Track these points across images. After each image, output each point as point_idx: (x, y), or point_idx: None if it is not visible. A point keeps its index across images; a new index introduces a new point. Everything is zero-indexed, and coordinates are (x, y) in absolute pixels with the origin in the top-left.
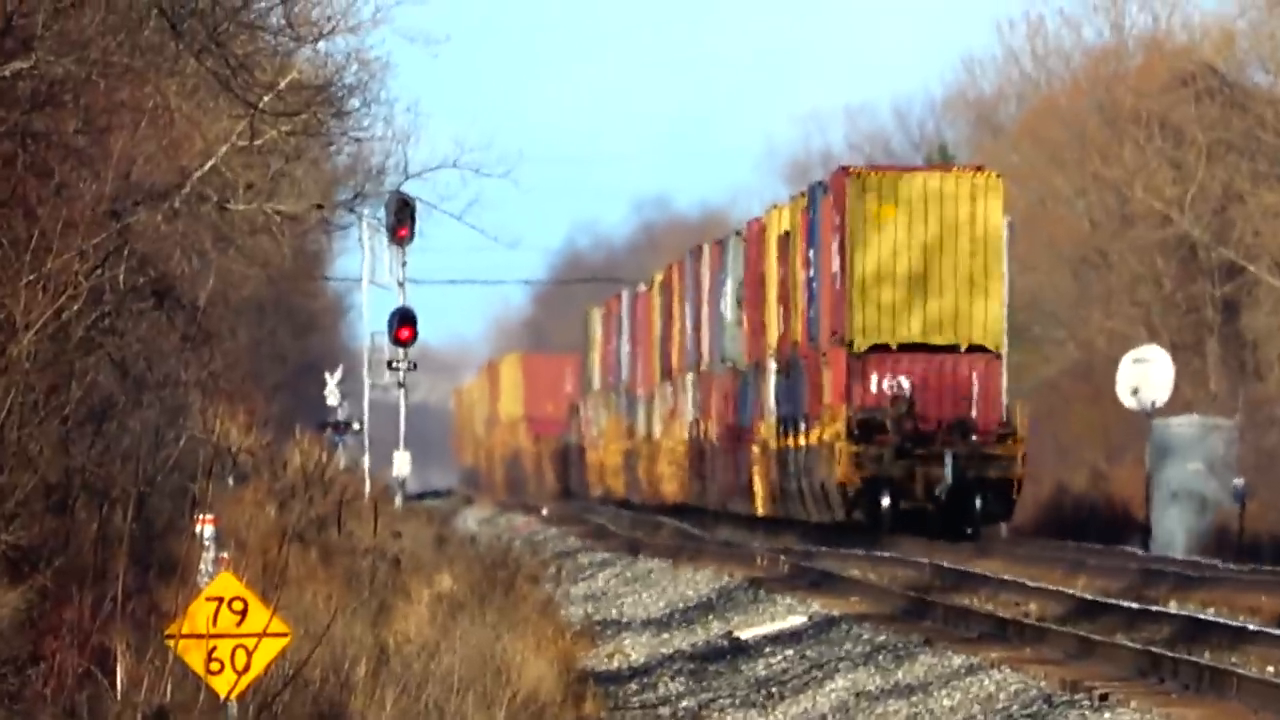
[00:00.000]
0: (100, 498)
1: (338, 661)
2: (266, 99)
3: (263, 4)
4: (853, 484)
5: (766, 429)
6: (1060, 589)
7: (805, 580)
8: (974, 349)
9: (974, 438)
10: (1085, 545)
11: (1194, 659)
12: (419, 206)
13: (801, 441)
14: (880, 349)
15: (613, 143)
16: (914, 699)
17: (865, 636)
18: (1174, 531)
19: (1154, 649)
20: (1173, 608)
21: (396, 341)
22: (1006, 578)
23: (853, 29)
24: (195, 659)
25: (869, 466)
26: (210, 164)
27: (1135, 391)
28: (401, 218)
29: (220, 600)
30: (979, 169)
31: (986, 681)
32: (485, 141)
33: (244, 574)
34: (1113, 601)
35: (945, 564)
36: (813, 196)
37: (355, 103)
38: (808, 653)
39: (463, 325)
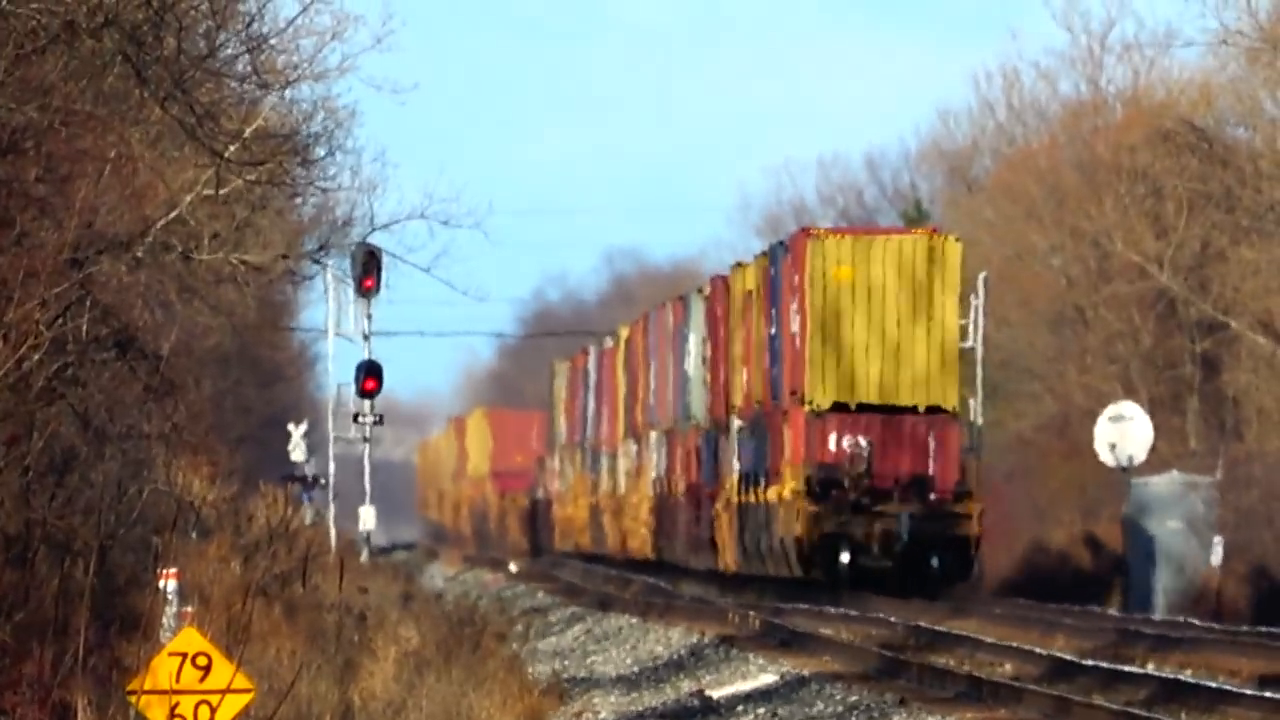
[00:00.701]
0: (61, 550)
1: (302, 718)
2: (232, 148)
3: (229, 51)
4: (810, 540)
5: (730, 485)
6: (1036, 649)
7: (777, 638)
8: (931, 410)
9: (931, 496)
10: (1062, 605)
11: None
12: (385, 258)
13: (763, 498)
14: (840, 408)
15: (584, 194)
16: None
17: (838, 696)
18: (1152, 591)
19: (1132, 710)
20: (1150, 668)
21: (362, 394)
22: (982, 637)
23: (826, 80)
24: (158, 715)
25: (827, 523)
26: (175, 213)
27: (1113, 448)
28: (368, 269)
29: (184, 656)
30: (934, 231)
31: None
32: (454, 192)
33: (208, 629)
34: (1090, 662)
35: (920, 623)
36: (774, 256)
37: (321, 151)
38: (779, 711)
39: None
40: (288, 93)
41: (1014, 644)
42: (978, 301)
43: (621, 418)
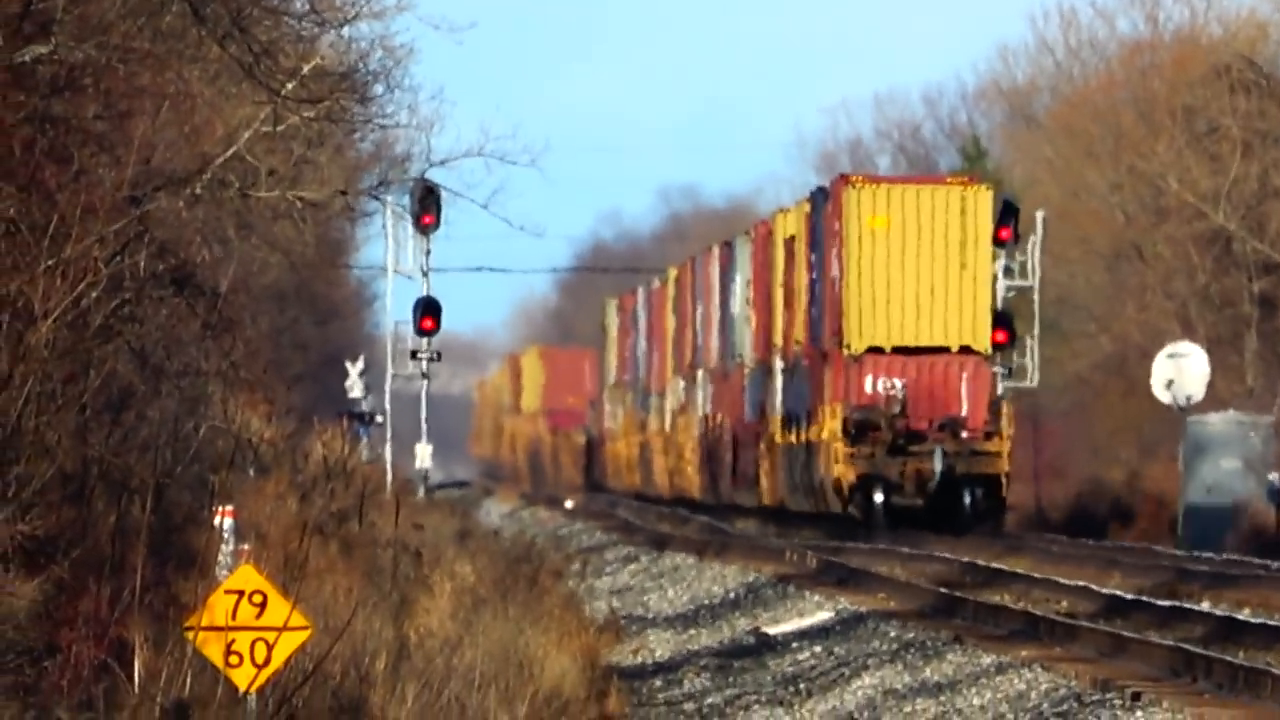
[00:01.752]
0: (118, 488)
1: (358, 656)
2: (289, 85)
3: None
4: (847, 480)
5: (773, 425)
6: (1092, 586)
7: (833, 576)
8: (963, 350)
9: (963, 435)
10: (1118, 542)
11: (1227, 658)
12: (444, 194)
13: (804, 437)
14: (875, 351)
15: (640, 132)
16: (943, 697)
17: (893, 634)
18: (1209, 528)
19: (1187, 648)
20: (1206, 606)
21: (420, 331)
22: (1037, 575)
23: (883, 16)
24: (214, 652)
25: (863, 463)
26: (232, 150)
27: (1170, 386)
28: (427, 205)
29: (240, 593)
30: (969, 180)
31: (1017, 680)
32: (511, 130)
33: (264, 567)
34: (1145, 599)
35: (976, 560)
36: (816, 202)
37: (379, 89)
38: (835, 649)
39: (486, 314)
40: (345, 30)
41: (1070, 581)
42: (1035, 239)
43: (670, 357)
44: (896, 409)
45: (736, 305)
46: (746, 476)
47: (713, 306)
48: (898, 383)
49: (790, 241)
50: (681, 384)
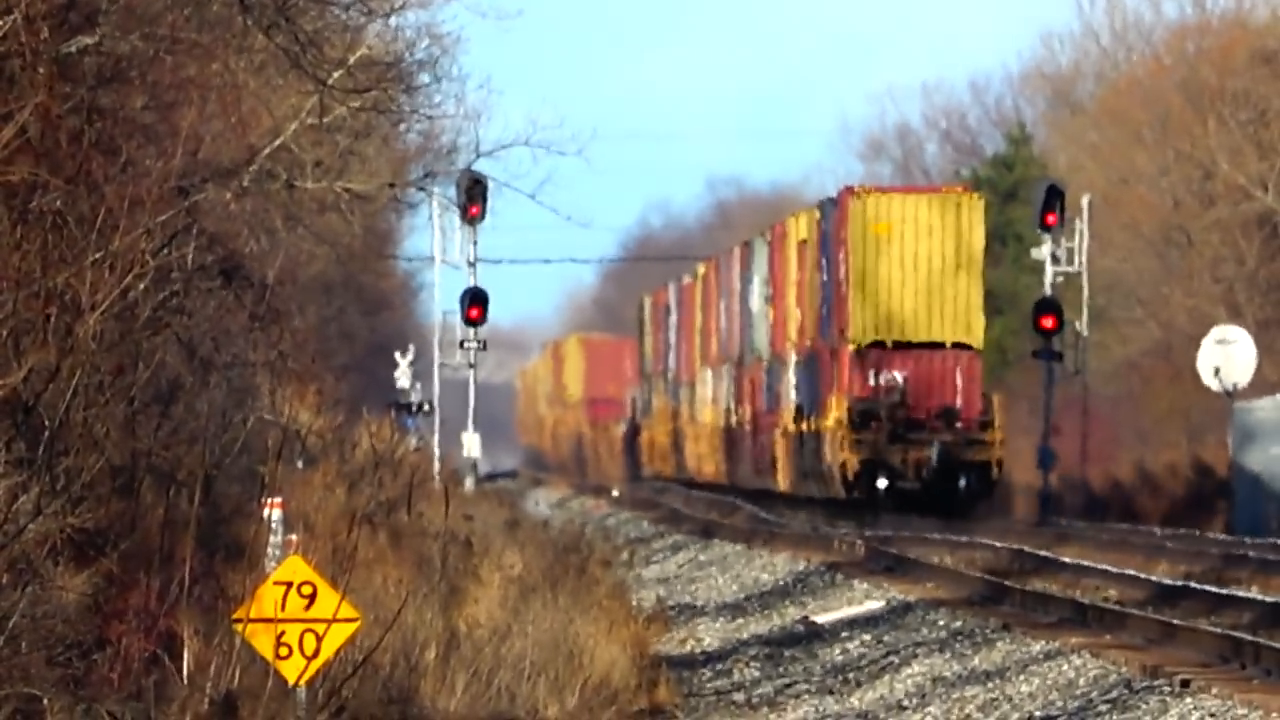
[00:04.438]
0: (167, 480)
1: (408, 646)
2: (336, 75)
3: None
4: (851, 465)
5: (787, 414)
6: (1140, 574)
7: (881, 565)
8: (958, 346)
9: (958, 425)
10: (1166, 529)
11: (1277, 645)
12: (491, 185)
13: (813, 426)
14: (877, 346)
15: (687, 121)
16: (991, 685)
17: (942, 622)
18: (1257, 514)
19: (1236, 634)
20: (1255, 593)
21: (468, 321)
22: (1085, 562)
23: (930, 4)
24: (264, 644)
25: (865, 450)
26: (279, 141)
27: (1217, 372)
28: (473, 196)
29: (289, 584)
30: (964, 189)
31: (1066, 667)
32: (558, 119)
33: (313, 558)
34: (1194, 586)
35: (1024, 548)
36: (825, 209)
37: (426, 79)
38: (884, 638)
39: (531, 303)
40: (392, 20)
41: (1118, 569)
42: (1081, 226)
43: (698, 349)
44: (896, 399)
45: (755, 302)
46: (763, 463)
47: (735, 303)
48: (898, 376)
49: (802, 244)
50: (709, 375)
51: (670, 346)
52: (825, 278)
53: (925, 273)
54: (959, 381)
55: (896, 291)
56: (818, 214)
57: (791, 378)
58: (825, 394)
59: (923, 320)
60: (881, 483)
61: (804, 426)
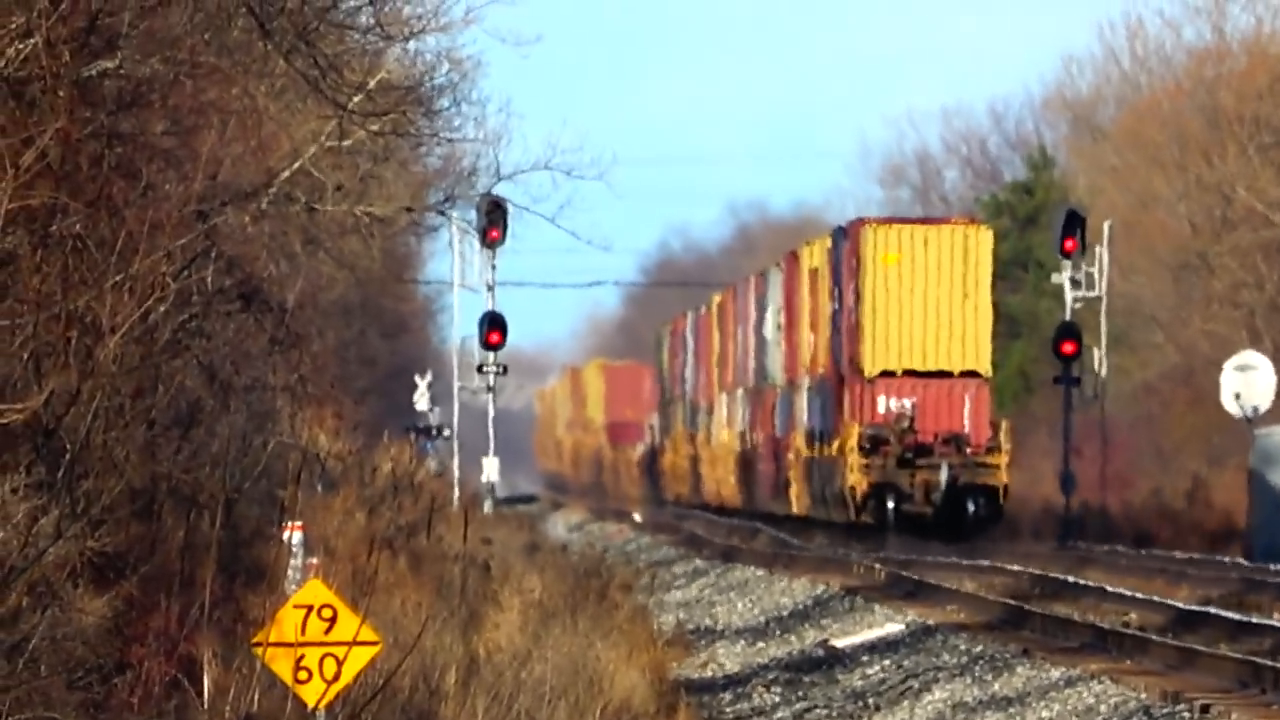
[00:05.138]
0: (187, 504)
1: (428, 670)
2: (356, 99)
3: (352, 3)
4: (861, 489)
5: (800, 439)
6: (1161, 599)
7: (901, 589)
8: (966, 374)
9: (966, 450)
10: (1187, 554)
11: None
12: (510, 209)
13: (826, 451)
14: (887, 374)
15: (707, 144)
16: (1012, 710)
17: (962, 646)
18: (1277, 540)
19: (1256, 660)
20: (1276, 619)
21: (486, 345)
22: (1106, 587)
23: (949, 29)
24: (283, 668)
25: (875, 474)
26: (298, 165)
27: (1238, 398)
28: (493, 220)
29: (309, 608)
30: (971, 221)
31: (1085, 693)
32: (578, 143)
33: (333, 581)
34: (1215, 612)
35: (1045, 573)
36: (836, 240)
37: (445, 103)
38: (904, 662)
39: (551, 326)
40: (411, 44)
41: (1138, 594)
42: (1101, 250)
43: (715, 376)
44: (905, 424)
45: (769, 330)
46: (777, 487)
47: (750, 330)
48: (907, 402)
49: (814, 274)
50: (725, 401)
51: (688, 372)
52: (837, 306)
53: (934, 302)
54: (967, 408)
55: (906, 320)
56: (829, 243)
57: (805, 403)
58: (837, 419)
59: (931, 349)
60: (891, 505)
61: (817, 451)
